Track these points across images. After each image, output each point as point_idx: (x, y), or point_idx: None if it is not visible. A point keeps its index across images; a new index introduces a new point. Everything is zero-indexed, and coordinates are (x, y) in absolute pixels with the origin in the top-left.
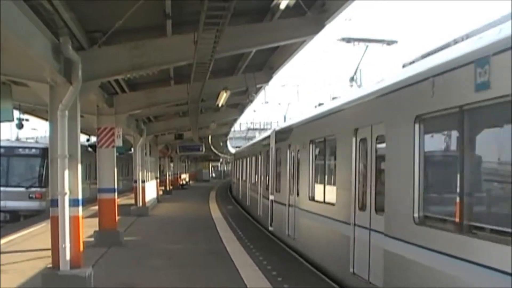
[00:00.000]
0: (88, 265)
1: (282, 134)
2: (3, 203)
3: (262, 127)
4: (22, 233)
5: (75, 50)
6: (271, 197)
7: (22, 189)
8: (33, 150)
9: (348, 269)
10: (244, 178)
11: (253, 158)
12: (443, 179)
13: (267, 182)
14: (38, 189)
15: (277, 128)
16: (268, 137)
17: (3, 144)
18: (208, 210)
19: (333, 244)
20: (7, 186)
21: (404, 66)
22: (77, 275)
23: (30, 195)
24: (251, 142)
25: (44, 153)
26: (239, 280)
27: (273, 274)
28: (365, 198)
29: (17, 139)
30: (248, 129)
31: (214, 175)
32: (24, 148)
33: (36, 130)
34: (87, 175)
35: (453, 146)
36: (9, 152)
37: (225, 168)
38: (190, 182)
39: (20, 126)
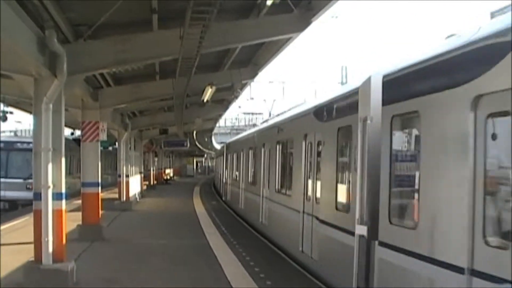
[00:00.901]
0: (71, 259)
1: (261, 134)
2: (2, 193)
3: (246, 123)
4: (4, 226)
5: (60, 43)
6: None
7: (20, 180)
8: (30, 145)
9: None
10: (227, 173)
11: (235, 155)
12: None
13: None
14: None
15: (256, 129)
16: (251, 136)
17: (2, 139)
18: (192, 206)
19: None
20: (6, 177)
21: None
22: (60, 269)
23: (27, 186)
24: (236, 138)
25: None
26: (222, 276)
27: (256, 270)
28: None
29: (15, 135)
30: (233, 127)
31: (200, 170)
32: (22, 143)
33: (20, 123)
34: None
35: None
36: (8, 147)
37: (210, 164)
38: (175, 177)
39: (4, 118)
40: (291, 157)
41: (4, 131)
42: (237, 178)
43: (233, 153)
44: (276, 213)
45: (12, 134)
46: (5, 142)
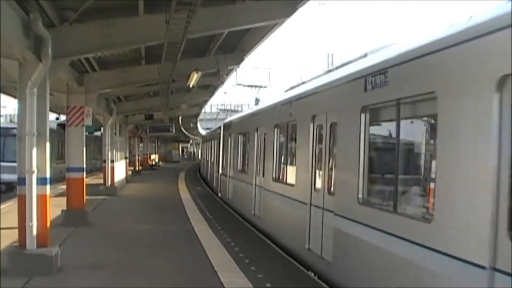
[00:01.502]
0: (55, 244)
1: (251, 118)
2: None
3: (233, 109)
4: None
5: (45, 27)
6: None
7: (16, 164)
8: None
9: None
10: (213, 159)
11: (229, 139)
12: None
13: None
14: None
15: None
16: (239, 119)
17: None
18: (177, 191)
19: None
20: (2, 161)
21: None
22: (44, 254)
23: None
24: (228, 120)
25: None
26: (206, 261)
27: (241, 256)
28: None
29: (11, 121)
30: (220, 111)
31: (185, 156)
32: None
33: (5, 108)
34: None
35: None
36: (5, 133)
37: (195, 150)
38: (160, 163)
39: None
40: (294, 142)
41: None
42: (227, 165)
43: (227, 137)
44: (272, 204)
45: (9, 120)
46: (3, 128)
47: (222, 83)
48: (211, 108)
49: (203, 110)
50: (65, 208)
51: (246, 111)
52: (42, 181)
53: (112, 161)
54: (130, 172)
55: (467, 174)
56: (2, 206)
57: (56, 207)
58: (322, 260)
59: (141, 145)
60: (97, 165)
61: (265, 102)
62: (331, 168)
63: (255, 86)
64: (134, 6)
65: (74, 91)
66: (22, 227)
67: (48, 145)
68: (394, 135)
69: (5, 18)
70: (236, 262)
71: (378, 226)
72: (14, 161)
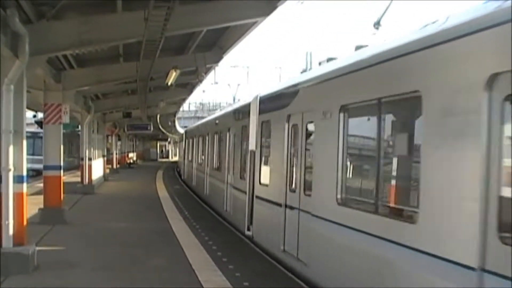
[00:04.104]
0: (32, 242)
1: (223, 119)
2: (30, 165)
3: (210, 108)
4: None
5: (22, 23)
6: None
7: (42, 157)
8: None
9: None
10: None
11: (200, 140)
12: None
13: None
14: None
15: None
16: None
17: (32, 130)
18: (155, 190)
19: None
20: (33, 155)
21: None
22: (20, 253)
23: None
24: (200, 122)
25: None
26: (184, 260)
27: (219, 254)
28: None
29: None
30: (197, 111)
31: (164, 154)
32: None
33: None
34: None
35: None
36: (35, 136)
37: (173, 148)
38: (138, 161)
39: None
40: (269, 141)
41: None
42: (202, 163)
43: (198, 137)
44: (241, 201)
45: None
46: (33, 133)
47: (201, 81)
48: (189, 107)
49: (181, 108)
50: (42, 206)
51: (218, 112)
52: (18, 179)
53: (90, 159)
54: (107, 170)
55: (454, 173)
56: None
57: (33, 205)
58: (297, 261)
59: (119, 143)
60: (75, 163)
61: (238, 102)
62: (307, 168)
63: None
64: (112, 3)
65: (51, 88)
66: None
67: (25, 142)
68: (374, 134)
69: None
70: (214, 261)
71: (357, 227)
72: (41, 155)
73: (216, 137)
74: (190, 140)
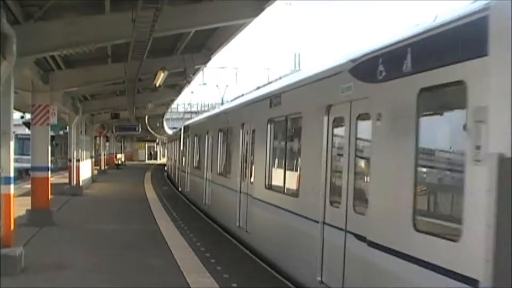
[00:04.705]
0: (19, 244)
1: (201, 123)
2: (26, 165)
3: (199, 109)
4: None
5: (10, 24)
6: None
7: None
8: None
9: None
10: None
11: (183, 141)
12: None
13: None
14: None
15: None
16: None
17: (22, 133)
18: (143, 191)
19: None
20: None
21: None
22: (7, 255)
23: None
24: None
25: (53, 137)
26: (172, 261)
27: (207, 256)
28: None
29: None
30: (185, 112)
31: (152, 156)
32: None
33: None
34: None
35: None
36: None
37: (161, 149)
38: (126, 162)
39: None
40: (231, 143)
41: None
42: (185, 163)
43: (182, 139)
44: (217, 193)
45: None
46: (28, 135)
47: (189, 82)
48: (177, 108)
49: (169, 110)
50: (29, 207)
51: (198, 117)
52: (6, 181)
53: (78, 160)
54: (96, 171)
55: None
56: None
57: (20, 207)
58: (246, 233)
59: (107, 144)
60: (59, 165)
61: (214, 110)
62: (253, 163)
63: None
64: (100, 4)
65: (39, 89)
66: None
67: (12, 144)
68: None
69: None
70: (202, 262)
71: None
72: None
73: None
74: (194, 139)
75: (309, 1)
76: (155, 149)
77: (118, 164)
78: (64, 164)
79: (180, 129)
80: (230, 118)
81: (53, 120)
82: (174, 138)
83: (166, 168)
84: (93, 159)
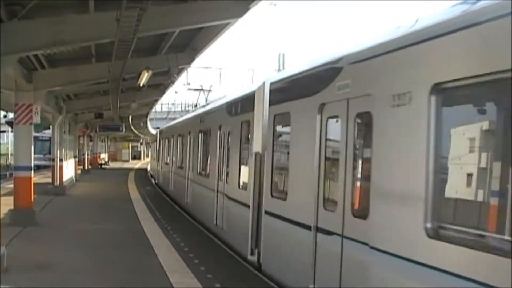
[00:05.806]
0: (2, 244)
1: (182, 125)
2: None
3: (183, 109)
4: None
5: None
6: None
7: (42, 155)
8: (46, 138)
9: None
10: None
11: (166, 142)
12: None
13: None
14: (48, 155)
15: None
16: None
17: (36, 134)
18: (127, 191)
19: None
20: (35, 154)
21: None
22: None
23: (45, 158)
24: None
25: (49, 139)
26: (155, 261)
27: (190, 256)
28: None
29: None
30: (169, 112)
31: (136, 155)
32: (43, 136)
33: None
34: None
35: None
36: (37, 139)
37: (145, 149)
38: (110, 162)
39: None
40: (210, 143)
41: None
42: (168, 163)
43: (165, 139)
44: (197, 193)
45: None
46: (35, 137)
47: (173, 82)
48: (161, 108)
49: (153, 109)
50: (12, 207)
51: (179, 118)
52: None
53: (61, 160)
54: (79, 171)
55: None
56: None
57: (3, 206)
58: (222, 230)
59: (90, 143)
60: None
61: (194, 111)
62: (229, 164)
63: (202, 90)
64: (85, 3)
65: (22, 88)
66: None
67: None
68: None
69: None
70: (186, 263)
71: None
72: (41, 154)
73: None
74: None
75: (293, 1)
76: (139, 148)
77: (101, 164)
78: None
79: (162, 130)
80: (209, 119)
81: (36, 119)
82: (158, 138)
83: (149, 167)
84: (77, 159)
